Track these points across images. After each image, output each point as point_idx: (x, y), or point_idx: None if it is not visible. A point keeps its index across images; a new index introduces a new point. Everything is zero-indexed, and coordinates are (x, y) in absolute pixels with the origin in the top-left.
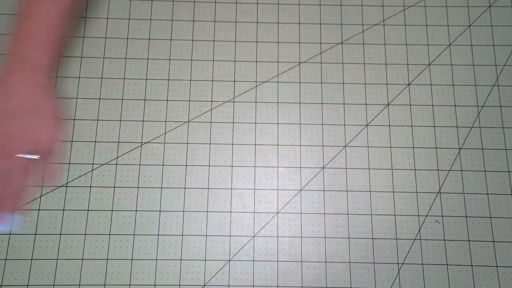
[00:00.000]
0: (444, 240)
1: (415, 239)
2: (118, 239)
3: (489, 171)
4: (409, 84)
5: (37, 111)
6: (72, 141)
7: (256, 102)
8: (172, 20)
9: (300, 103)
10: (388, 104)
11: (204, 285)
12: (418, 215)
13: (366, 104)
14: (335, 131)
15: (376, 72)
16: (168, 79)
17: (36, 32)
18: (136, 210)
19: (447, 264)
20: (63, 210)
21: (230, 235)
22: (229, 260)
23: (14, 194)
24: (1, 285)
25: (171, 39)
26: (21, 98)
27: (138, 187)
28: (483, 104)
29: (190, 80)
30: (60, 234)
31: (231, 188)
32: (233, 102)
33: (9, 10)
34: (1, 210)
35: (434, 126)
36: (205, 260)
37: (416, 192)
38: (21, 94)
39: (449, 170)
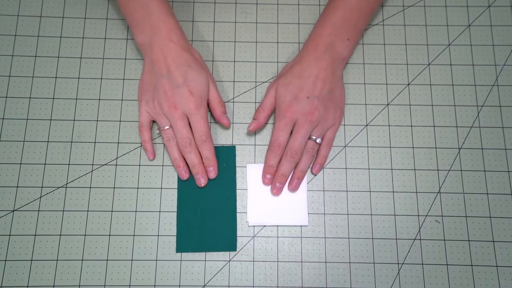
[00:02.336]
0: (444, 240)
1: (415, 239)
2: (118, 239)
3: (489, 171)
4: (408, 84)
5: (329, 98)
6: (72, 141)
7: (255, 102)
8: None
9: None
10: (387, 104)
11: (204, 285)
12: (418, 215)
13: (365, 104)
14: None
15: (376, 72)
16: None
17: (346, 22)
18: (136, 211)
19: (447, 264)
20: (63, 210)
21: None
22: (229, 261)
23: (298, 173)
24: (1, 286)
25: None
26: (320, 82)
27: (138, 188)
28: (483, 104)
29: None
30: (60, 235)
31: None
32: (233, 102)
33: (11, 11)
34: (289, 188)
35: (434, 126)
36: (205, 260)
37: (416, 192)
38: (319, 79)
39: (449, 170)
